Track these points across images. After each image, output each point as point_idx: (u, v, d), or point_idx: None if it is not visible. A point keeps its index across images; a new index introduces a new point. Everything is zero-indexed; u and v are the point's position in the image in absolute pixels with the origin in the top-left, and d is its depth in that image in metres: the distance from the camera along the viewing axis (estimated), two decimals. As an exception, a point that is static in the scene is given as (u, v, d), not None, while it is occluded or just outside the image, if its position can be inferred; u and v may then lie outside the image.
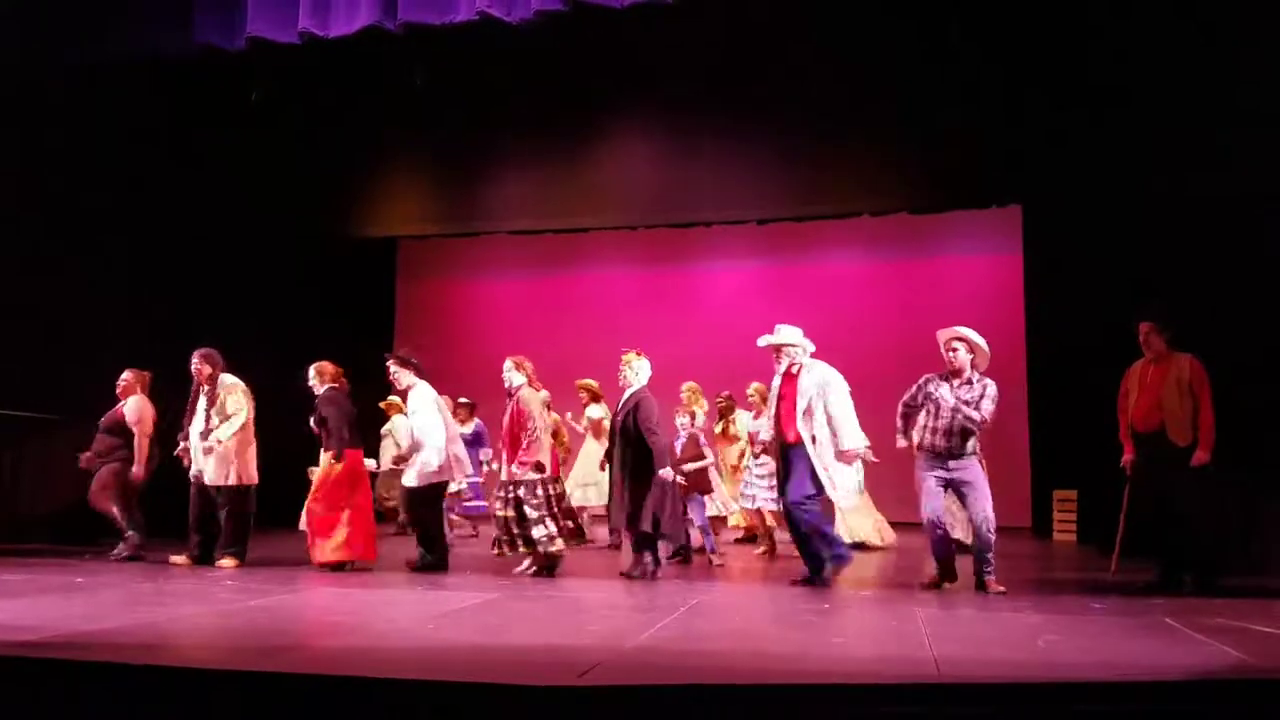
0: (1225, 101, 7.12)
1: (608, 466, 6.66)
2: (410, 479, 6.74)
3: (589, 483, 8.44)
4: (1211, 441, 5.76)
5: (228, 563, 6.73)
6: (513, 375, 6.59)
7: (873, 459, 6.60)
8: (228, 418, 6.86)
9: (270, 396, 7.34)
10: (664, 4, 6.89)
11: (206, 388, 6.95)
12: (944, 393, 5.85)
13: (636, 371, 6.45)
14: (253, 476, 6.95)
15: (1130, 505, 6.22)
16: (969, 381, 5.87)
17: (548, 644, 4.14)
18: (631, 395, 6.35)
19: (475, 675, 3.42)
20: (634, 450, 6.22)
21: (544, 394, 8.06)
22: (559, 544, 6.35)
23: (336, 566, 6.57)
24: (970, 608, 5.10)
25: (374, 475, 8.41)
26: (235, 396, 6.94)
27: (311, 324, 10.12)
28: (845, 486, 5.95)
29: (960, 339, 5.93)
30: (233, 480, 6.84)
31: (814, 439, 5.93)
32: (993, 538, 5.74)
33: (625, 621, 4.75)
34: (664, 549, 6.54)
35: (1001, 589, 5.66)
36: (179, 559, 6.84)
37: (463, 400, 8.92)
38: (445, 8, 7.07)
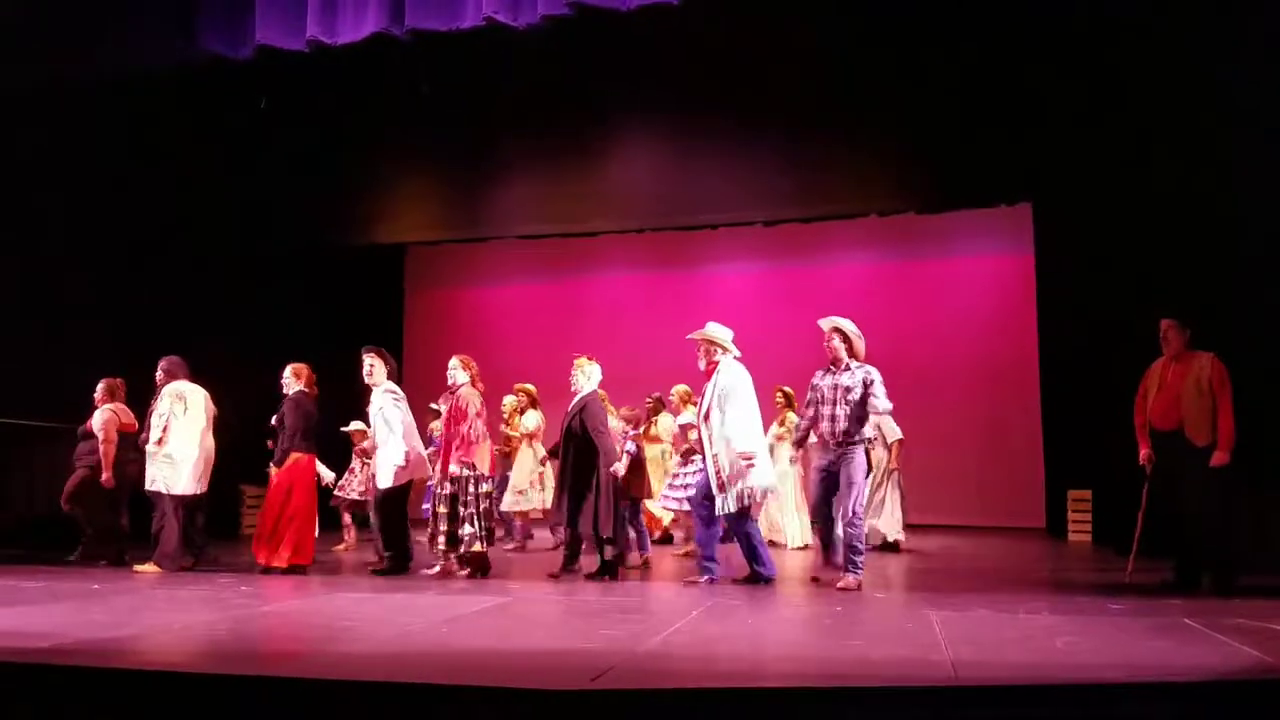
0: (1235, 100, 7.06)
1: (550, 467, 6.69)
2: (384, 479, 6.79)
3: (520, 489, 8.49)
4: (1231, 442, 5.70)
5: (147, 568, 6.86)
6: (457, 373, 6.71)
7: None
8: (162, 425, 7.00)
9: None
10: (670, 5, 6.86)
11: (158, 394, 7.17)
12: (826, 384, 6.11)
13: (588, 376, 6.62)
14: (187, 487, 7.00)
15: (1149, 504, 6.16)
16: (847, 368, 6.10)
17: (560, 648, 4.12)
18: (581, 399, 6.51)
19: (488, 679, 3.41)
20: (579, 451, 6.38)
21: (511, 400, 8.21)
22: (480, 545, 6.44)
23: (279, 570, 6.69)
24: (985, 609, 5.06)
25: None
26: (164, 401, 7.05)
27: (320, 330, 10.13)
28: (735, 492, 5.97)
29: (836, 329, 6.14)
30: (162, 489, 6.97)
31: (710, 441, 6.08)
32: (854, 532, 5.90)
33: (638, 625, 4.72)
34: (608, 551, 6.64)
35: (845, 587, 5.76)
36: (143, 566, 6.97)
37: (432, 406, 8.93)
38: (452, 14, 7.06)
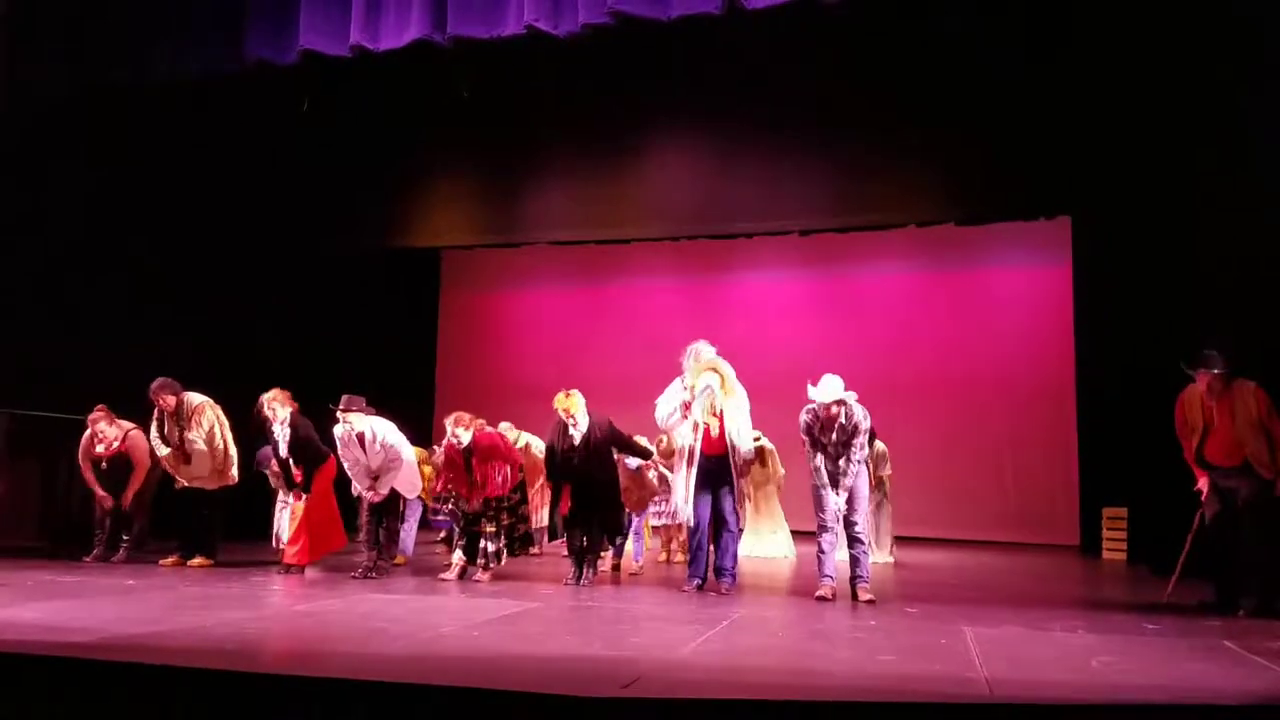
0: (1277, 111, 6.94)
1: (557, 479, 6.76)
2: (389, 486, 6.87)
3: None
4: None
5: (198, 562, 7.09)
6: (462, 435, 6.63)
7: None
8: (210, 439, 7.24)
9: (316, 409, 7.41)
10: (711, 15, 6.87)
11: (172, 416, 7.24)
12: (823, 440, 6.09)
13: (581, 408, 6.65)
14: (234, 478, 7.40)
15: (1199, 530, 6.04)
16: (842, 403, 6.06)
17: (590, 654, 4.12)
18: (596, 422, 6.63)
19: (518, 685, 3.42)
20: (598, 463, 6.58)
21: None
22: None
23: (293, 568, 6.86)
24: (1019, 626, 5.01)
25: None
26: (208, 415, 7.30)
27: (356, 333, 10.24)
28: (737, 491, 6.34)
29: (839, 403, 6.06)
30: (215, 485, 7.29)
31: (733, 442, 6.32)
32: (865, 543, 6.08)
33: (668, 634, 4.72)
34: (606, 558, 7.10)
35: (871, 598, 5.84)
36: (168, 561, 7.13)
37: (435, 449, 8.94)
38: (494, 21, 7.11)
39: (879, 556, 8.39)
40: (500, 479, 6.67)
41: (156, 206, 9.09)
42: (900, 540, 8.99)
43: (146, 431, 7.39)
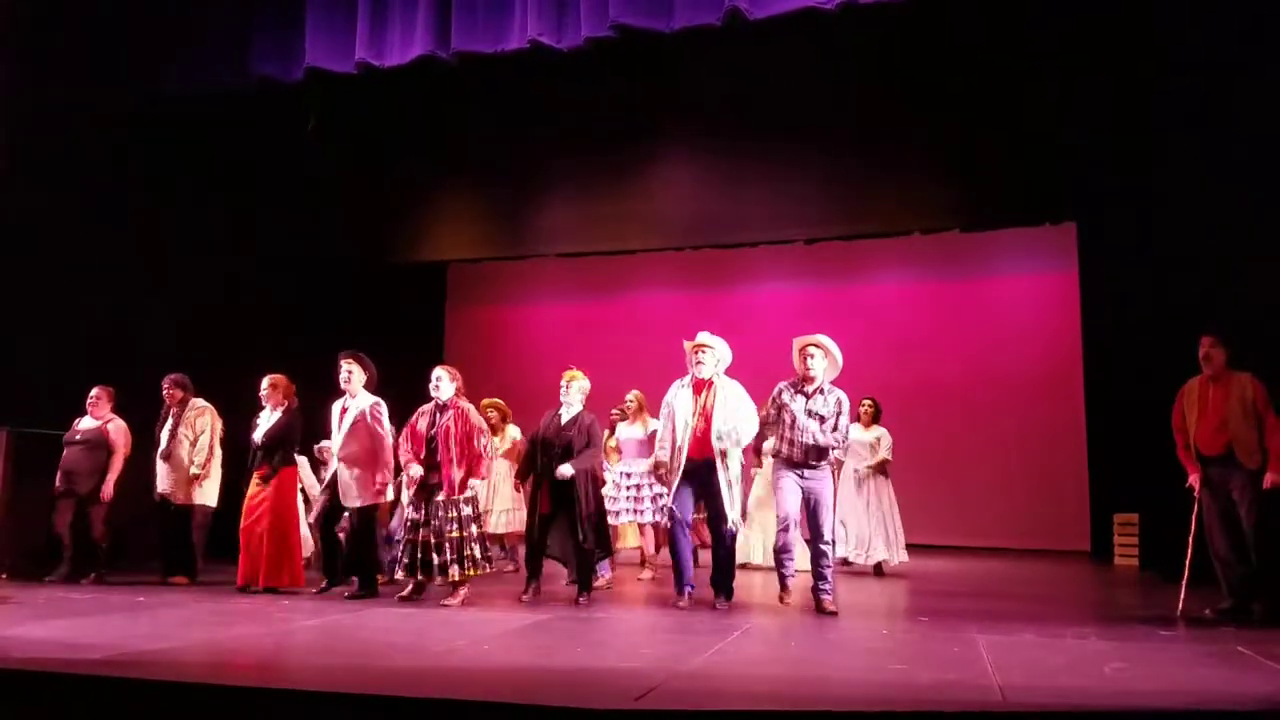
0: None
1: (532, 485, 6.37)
2: (366, 496, 6.41)
3: (508, 507, 8.02)
4: None
5: (180, 580, 6.97)
6: (444, 385, 6.15)
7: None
8: (196, 440, 7.20)
9: (320, 423, 7.42)
10: (712, 26, 6.91)
11: (175, 410, 7.29)
12: (797, 406, 5.85)
13: (583, 391, 6.49)
14: (210, 496, 7.22)
15: (1199, 530, 6.03)
16: (821, 391, 5.87)
17: (602, 666, 4.12)
18: (582, 413, 6.40)
19: (531, 697, 3.42)
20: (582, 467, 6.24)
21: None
22: (484, 567, 5.99)
23: (271, 590, 6.48)
24: (1032, 633, 4.99)
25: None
26: (204, 419, 7.28)
27: (361, 348, 10.21)
28: (740, 506, 6.01)
29: (817, 346, 5.89)
30: (199, 500, 7.18)
31: (724, 454, 5.99)
32: (829, 550, 5.82)
33: (679, 645, 4.71)
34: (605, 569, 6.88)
35: (834, 610, 5.69)
36: (178, 579, 7.04)
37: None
38: (498, 36, 7.15)
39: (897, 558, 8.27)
40: (461, 469, 5.91)
41: (162, 223, 9.11)
42: (910, 548, 8.95)
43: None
